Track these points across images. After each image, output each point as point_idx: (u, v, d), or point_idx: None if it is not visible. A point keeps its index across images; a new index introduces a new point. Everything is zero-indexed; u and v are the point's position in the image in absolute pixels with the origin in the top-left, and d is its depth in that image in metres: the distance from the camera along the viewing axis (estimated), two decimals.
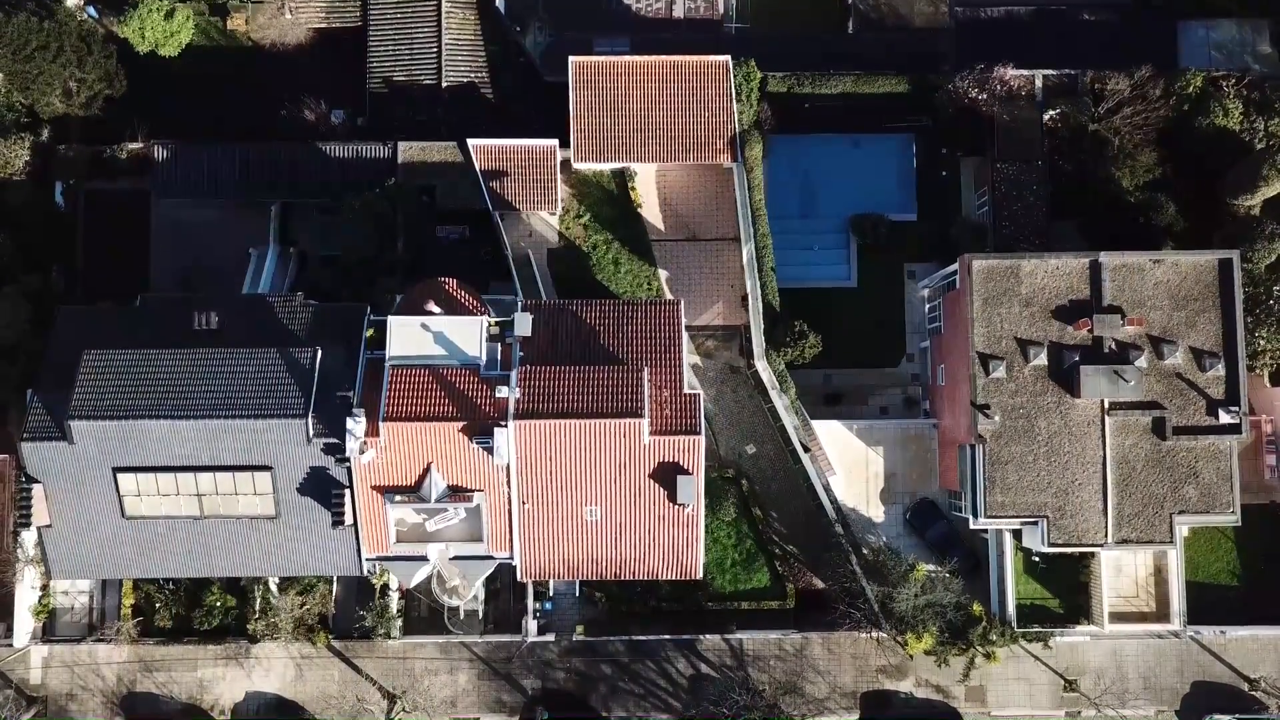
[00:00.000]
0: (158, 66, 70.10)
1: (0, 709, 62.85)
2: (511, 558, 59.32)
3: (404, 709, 64.26)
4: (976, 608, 63.38)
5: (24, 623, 64.69)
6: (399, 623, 65.03)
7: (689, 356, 65.64)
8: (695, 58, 66.66)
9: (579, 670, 66.01)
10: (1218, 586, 65.99)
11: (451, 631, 65.67)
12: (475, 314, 60.06)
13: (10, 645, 64.86)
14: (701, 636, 65.92)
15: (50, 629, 65.71)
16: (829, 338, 66.43)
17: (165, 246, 69.37)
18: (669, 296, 67.32)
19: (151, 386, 56.71)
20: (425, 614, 66.04)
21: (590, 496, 57.93)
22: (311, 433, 56.46)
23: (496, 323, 59.80)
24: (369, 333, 59.38)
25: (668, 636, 65.88)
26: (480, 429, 56.68)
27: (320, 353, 57.67)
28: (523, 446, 56.61)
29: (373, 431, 56.78)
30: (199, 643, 65.38)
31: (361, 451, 56.59)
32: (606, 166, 67.91)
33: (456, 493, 57.87)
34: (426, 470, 57.56)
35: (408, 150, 68.17)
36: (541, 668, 66.00)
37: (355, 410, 56.28)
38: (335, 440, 56.45)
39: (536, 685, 65.93)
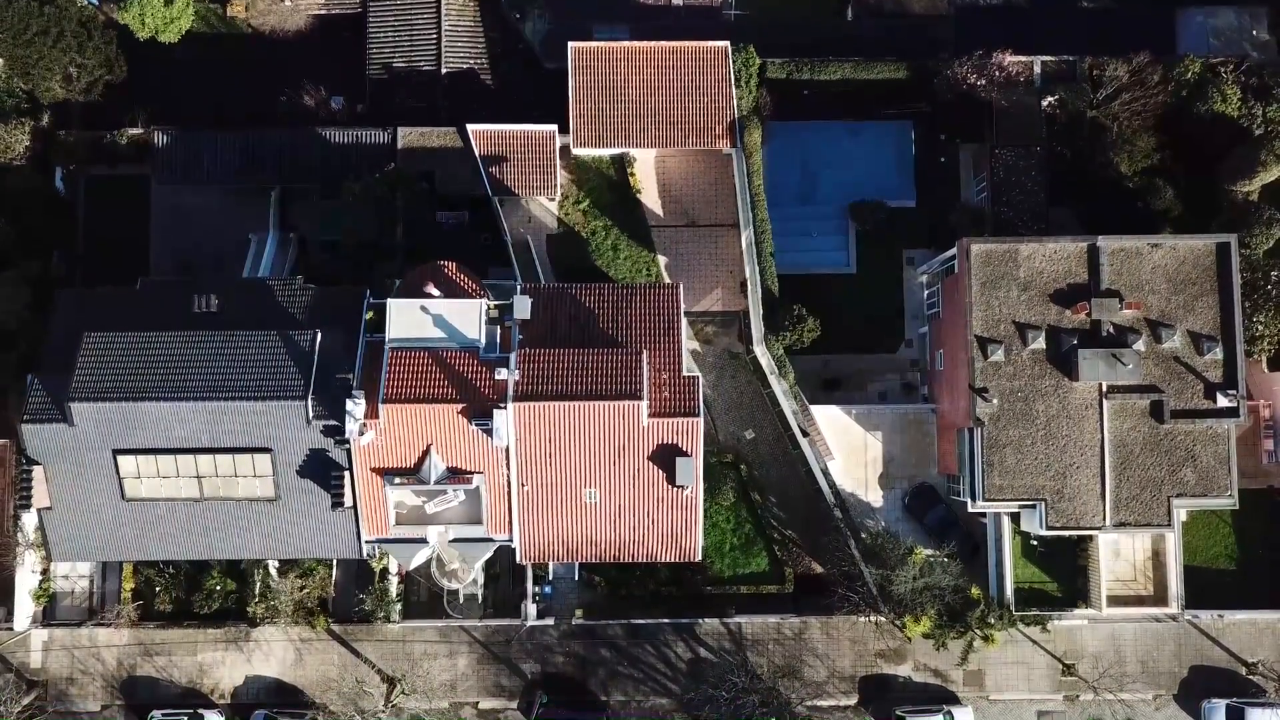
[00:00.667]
0: (158, 52, 70.19)
1: (0, 692, 62.90)
2: (511, 540, 59.42)
3: (403, 692, 64.33)
4: (975, 591, 63.47)
5: (24, 606, 64.80)
6: (398, 606, 65.12)
7: (688, 342, 65.76)
8: (694, 43, 66.63)
9: (578, 654, 66.12)
10: (1215, 570, 66.16)
11: (451, 615, 65.75)
12: (474, 297, 60.14)
13: (10, 629, 64.99)
14: (700, 620, 66.02)
15: (50, 613, 65.86)
16: (828, 324, 66.46)
17: (165, 232, 69.42)
18: (668, 281, 67.37)
19: (152, 368, 56.78)
20: (424, 598, 66.18)
21: (589, 478, 58.01)
22: (311, 415, 56.53)
23: (496, 306, 59.88)
24: (369, 316, 59.43)
25: (666, 620, 65.99)
26: (479, 411, 56.75)
27: (320, 335, 57.72)
28: (522, 428, 56.70)
29: (372, 413, 56.86)
30: (199, 626, 65.55)
31: (361, 433, 56.67)
32: (605, 152, 67.99)
33: (456, 475, 57.92)
34: (426, 452, 57.63)
35: (407, 136, 68.16)
36: (541, 651, 66.12)
37: (355, 392, 56.32)
38: (335, 422, 56.49)
39: (536, 669, 66.05)
